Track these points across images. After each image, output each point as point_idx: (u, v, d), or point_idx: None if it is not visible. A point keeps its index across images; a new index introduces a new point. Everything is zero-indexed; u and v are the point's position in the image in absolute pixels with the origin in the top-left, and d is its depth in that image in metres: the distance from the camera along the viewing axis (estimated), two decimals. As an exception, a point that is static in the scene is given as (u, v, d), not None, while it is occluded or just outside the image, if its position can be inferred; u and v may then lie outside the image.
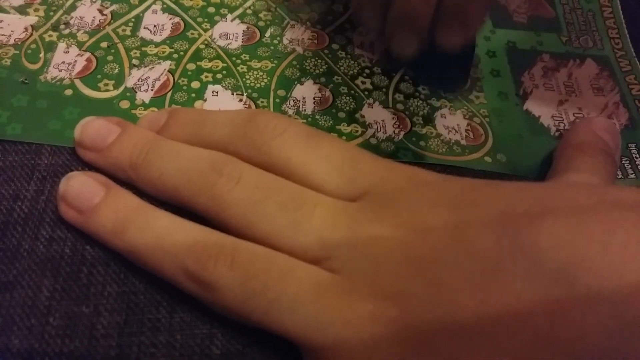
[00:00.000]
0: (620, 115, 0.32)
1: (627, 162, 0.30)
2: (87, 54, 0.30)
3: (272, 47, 0.32)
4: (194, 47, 0.31)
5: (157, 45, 0.31)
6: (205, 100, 0.29)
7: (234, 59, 0.31)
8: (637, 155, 0.30)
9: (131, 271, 0.23)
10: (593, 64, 0.35)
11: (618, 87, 0.33)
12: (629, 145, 0.31)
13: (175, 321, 0.22)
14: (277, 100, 0.30)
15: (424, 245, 0.20)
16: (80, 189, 0.23)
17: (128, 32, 0.31)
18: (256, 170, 0.23)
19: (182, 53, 0.31)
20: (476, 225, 0.19)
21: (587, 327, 0.17)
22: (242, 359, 0.22)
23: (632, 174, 0.30)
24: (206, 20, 0.33)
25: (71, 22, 0.32)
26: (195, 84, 0.30)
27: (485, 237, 0.19)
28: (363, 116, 0.30)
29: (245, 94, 0.30)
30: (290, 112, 0.29)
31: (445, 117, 0.31)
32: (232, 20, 0.33)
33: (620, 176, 0.29)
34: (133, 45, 0.31)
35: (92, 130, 0.25)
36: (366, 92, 0.31)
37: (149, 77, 0.30)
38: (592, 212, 0.18)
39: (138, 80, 0.29)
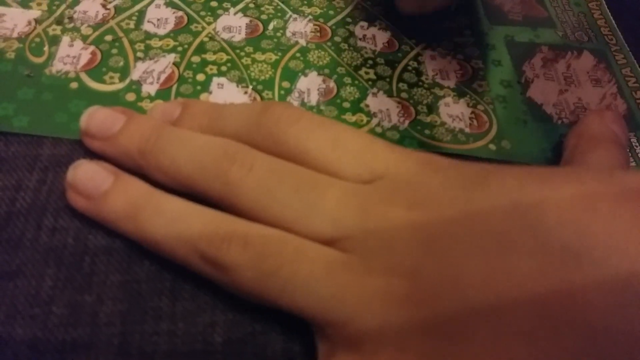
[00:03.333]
0: (618, 106, 0.31)
1: (627, 151, 0.29)
2: (92, 47, 0.29)
3: (275, 40, 0.31)
4: (198, 40, 0.30)
5: (161, 38, 0.30)
6: (210, 93, 0.28)
7: (237, 51, 0.30)
8: (637, 144, 0.30)
9: (133, 260, 0.22)
10: (590, 56, 0.33)
11: (615, 79, 0.32)
12: (629, 134, 0.30)
13: (177, 309, 0.21)
14: (282, 92, 0.29)
15: (435, 223, 0.19)
16: (88, 176, 0.23)
17: (132, 26, 0.30)
18: (268, 157, 0.22)
19: (186, 46, 0.30)
20: (486, 205, 0.19)
21: (591, 307, 0.16)
22: (244, 347, 0.21)
23: (632, 162, 0.29)
24: (209, 14, 0.32)
25: (75, 16, 0.30)
26: (201, 77, 0.28)
27: (494, 216, 0.18)
28: (367, 105, 0.29)
29: (250, 87, 0.28)
30: (295, 103, 0.28)
31: (449, 106, 0.29)
32: (234, 14, 0.32)
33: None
34: (137, 39, 0.30)
35: (98, 118, 0.24)
36: (370, 82, 0.30)
37: (154, 70, 0.28)
38: (599, 195, 0.18)
39: (143, 72, 0.28)
